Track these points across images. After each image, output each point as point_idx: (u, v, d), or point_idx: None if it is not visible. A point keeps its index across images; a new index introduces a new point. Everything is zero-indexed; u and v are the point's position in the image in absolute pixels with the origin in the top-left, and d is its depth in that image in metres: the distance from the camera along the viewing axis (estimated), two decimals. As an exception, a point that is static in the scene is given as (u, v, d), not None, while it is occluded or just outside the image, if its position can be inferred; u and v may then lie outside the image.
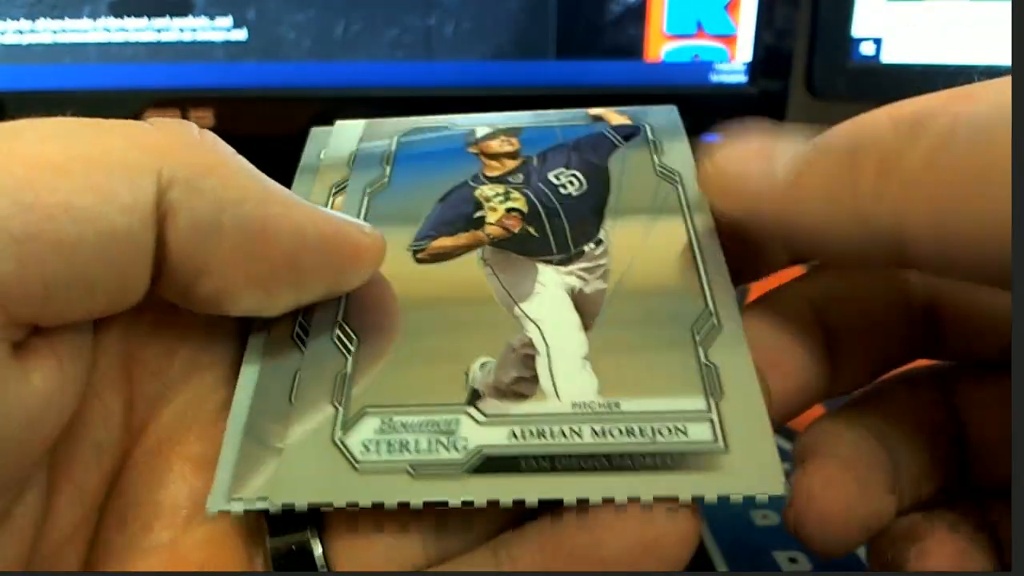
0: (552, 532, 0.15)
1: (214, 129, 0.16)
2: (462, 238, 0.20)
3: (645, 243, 0.19)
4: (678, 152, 0.22)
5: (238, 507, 0.15)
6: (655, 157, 0.22)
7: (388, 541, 0.15)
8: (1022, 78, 0.14)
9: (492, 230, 0.20)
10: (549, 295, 0.18)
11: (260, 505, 0.15)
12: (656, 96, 0.46)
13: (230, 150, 0.16)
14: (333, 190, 0.22)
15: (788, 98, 0.46)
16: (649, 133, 0.23)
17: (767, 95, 0.46)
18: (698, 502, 0.15)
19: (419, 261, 0.19)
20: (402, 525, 0.15)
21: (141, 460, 0.16)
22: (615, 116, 0.24)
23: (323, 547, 0.15)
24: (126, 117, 0.15)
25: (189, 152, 0.15)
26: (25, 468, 0.14)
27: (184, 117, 0.44)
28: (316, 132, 0.24)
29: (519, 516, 0.15)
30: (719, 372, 0.16)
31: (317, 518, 0.16)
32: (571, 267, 0.19)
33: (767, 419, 0.15)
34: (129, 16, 0.43)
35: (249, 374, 0.17)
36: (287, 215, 0.16)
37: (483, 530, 0.16)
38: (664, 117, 0.24)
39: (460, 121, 0.24)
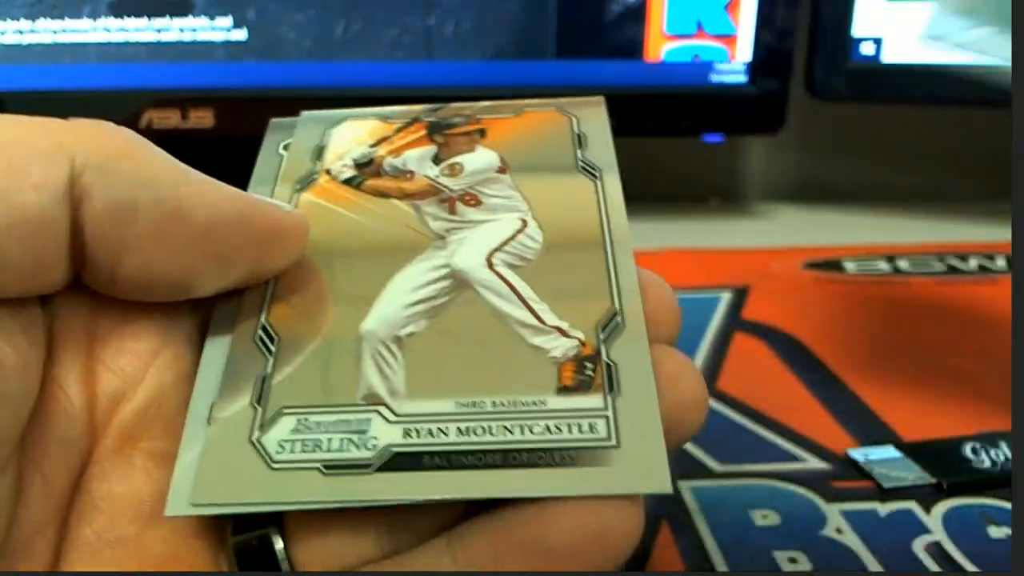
0: (502, 523, 0.15)
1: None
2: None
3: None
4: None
5: (196, 511, 0.15)
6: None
7: (344, 534, 0.16)
8: (1022, 78, 0.14)
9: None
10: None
11: (196, 511, 0.15)
12: (657, 96, 0.46)
13: (145, 141, 0.16)
14: (297, 187, 0.21)
15: (788, 98, 0.46)
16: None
17: (767, 95, 0.46)
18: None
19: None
20: (358, 519, 0.16)
21: (105, 456, 0.16)
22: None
23: (285, 542, 0.16)
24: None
25: (103, 140, 0.16)
26: None
27: (184, 117, 0.44)
28: (275, 123, 0.23)
29: (472, 509, 0.16)
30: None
31: (278, 513, 0.16)
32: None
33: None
34: (129, 16, 0.43)
35: (209, 374, 0.17)
36: (201, 192, 0.16)
37: (438, 522, 0.16)
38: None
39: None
